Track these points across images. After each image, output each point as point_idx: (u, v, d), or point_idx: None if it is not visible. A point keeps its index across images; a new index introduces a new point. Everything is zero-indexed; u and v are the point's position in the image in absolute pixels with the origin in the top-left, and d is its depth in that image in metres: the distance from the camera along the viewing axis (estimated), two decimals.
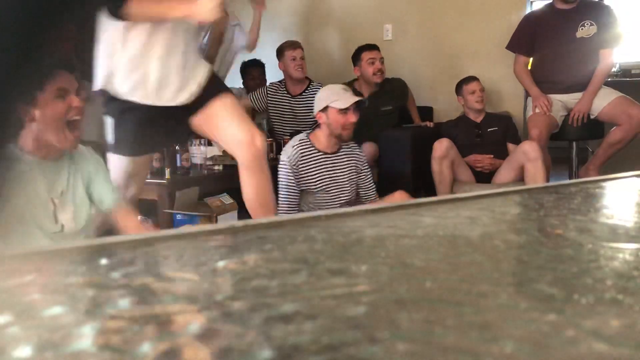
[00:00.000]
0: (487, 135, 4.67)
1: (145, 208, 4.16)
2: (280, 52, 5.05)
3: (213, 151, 4.62)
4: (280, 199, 3.44)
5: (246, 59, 5.64)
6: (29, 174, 2.13)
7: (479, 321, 0.30)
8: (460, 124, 4.70)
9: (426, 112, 5.28)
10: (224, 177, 4.69)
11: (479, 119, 4.67)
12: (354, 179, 3.56)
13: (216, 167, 4.65)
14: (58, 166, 2.19)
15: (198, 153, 4.58)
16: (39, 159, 2.13)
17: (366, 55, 4.71)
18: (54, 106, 2.07)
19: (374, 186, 3.68)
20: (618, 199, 0.66)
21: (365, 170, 3.61)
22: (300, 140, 3.52)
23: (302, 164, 3.44)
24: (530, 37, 4.41)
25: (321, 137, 3.48)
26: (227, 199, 4.16)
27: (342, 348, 0.25)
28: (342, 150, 3.53)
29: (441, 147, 4.25)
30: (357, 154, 3.61)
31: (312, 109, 3.86)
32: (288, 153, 3.49)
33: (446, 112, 5.14)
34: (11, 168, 1.85)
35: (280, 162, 3.52)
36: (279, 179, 3.48)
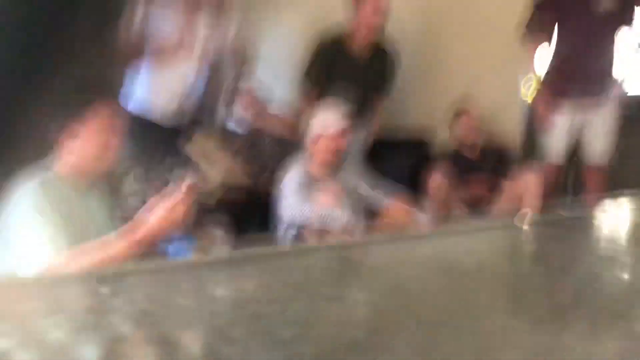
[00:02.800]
0: (483, 173, 4.67)
1: None
2: None
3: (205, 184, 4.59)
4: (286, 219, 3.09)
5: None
6: (71, 200, 2.15)
7: (476, 346, 0.30)
8: (455, 162, 4.68)
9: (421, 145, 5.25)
10: (217, 210, 4.65)
11: (474, 155, 4.67)
12: (352, 205, 3.28)
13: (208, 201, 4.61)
14: (91, 193, 2.22)
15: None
16: (76, 186, 2.15)
17: None
18: (95, 141, 2.05)
19: (381, 197, 3.27)
20: (612, 224, 0.67)
21: (365, 191, 3.28)
22: (296, 168, 3.36)
23: (300, 193, 3.25)
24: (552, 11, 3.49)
25: (314, 165, 3.36)
26: (219, 232, 4.13)
27: None
28: (336, 177, 3.32)
29: (434, 183, 4.24)
30: (348, 178, 3.34)
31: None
32: (291, 178, 3.23)
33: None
34: (56, 194, 1.84)
35: (283, 190, 3.23)
36: (281, 204, 3.17)
